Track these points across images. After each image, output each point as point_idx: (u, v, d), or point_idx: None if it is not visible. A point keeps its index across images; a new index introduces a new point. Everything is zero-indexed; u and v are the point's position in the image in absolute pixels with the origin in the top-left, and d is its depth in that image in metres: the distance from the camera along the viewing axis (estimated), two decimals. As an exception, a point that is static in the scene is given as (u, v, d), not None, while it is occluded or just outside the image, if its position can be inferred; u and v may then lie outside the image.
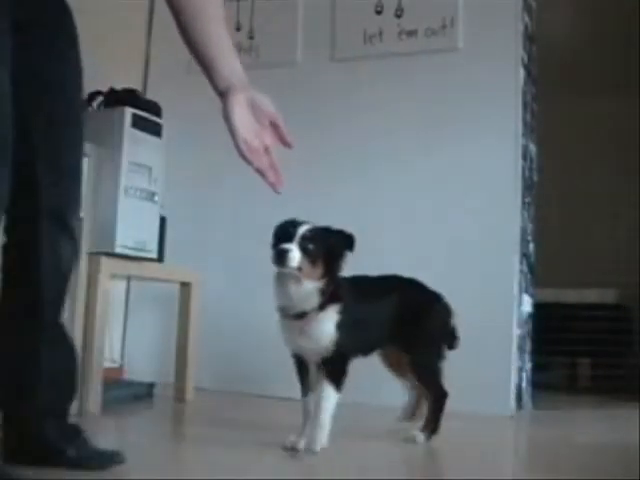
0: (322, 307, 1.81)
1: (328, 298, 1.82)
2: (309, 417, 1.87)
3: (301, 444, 1.84)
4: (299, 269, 1.77)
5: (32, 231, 1.46)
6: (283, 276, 1.81)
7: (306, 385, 1.91)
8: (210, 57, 1.42)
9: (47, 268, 1.46)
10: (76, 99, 1.54)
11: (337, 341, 1.83)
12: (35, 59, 1.43)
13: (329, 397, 1.83)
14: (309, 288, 1.79)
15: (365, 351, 2.02)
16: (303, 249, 1.77)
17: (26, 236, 1.46)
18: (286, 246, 1.76)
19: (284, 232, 1.82)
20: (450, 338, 2.15)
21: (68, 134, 1.50)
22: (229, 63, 1.42)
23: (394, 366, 2.16)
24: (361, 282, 1.99)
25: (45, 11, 1.45)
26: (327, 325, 1.82)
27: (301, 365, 1.92)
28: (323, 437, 1.81)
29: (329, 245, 1.82)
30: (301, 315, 1.82)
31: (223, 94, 1.42)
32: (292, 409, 1.99)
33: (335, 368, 1.86)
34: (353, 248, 1.84)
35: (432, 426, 2.06)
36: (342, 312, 1.84)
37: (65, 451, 1.49)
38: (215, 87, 1.43)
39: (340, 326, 1.83)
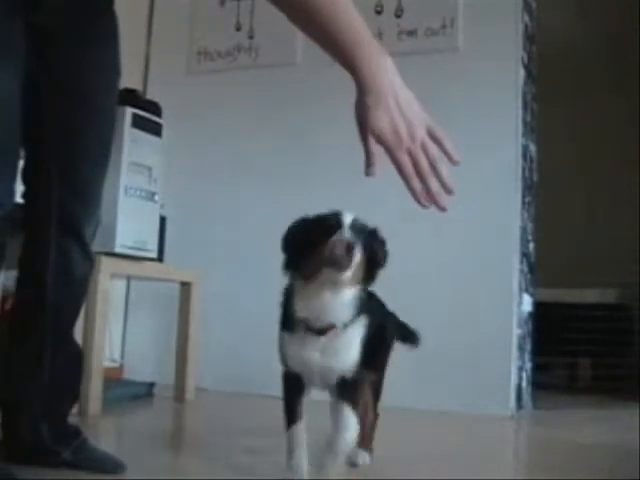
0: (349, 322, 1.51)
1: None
2: (301, 447, 1.56)
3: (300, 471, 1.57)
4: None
5: (42, 234, 1.45)
6: (320, 282, 1.46)
7: (298, 411, 1.58)
8: (353, 44, 1.19)
9: (53, 273, 1.46)
10: (101, 107, 1.49)
11: (360, 360, 1.54)
12: (57, 63, 1.41)
13: (351, 425, 1.53)
14: (348, 297, 1.48)
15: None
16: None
17: (37, 238, 1.46)
18: (351, 238, 1.42)
19: (321, 223, 1.51)
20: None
21: (87, 142, 1.47)
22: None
23: None
24: None
25: (74, 14, 1.41)
26: (355, 341, 1.52)
27: (295, 387, 1.58)
28: (339, 463, 1.54)
29: (372, 245, 1.54)
30: (324, 330, 1.50)
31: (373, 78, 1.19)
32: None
33: (356, 390, 1.58)
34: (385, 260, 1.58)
35: (371, 441, 1.84)
36: (366, 325, 1.55)
37: (61, 453, 1.50)
38: (362, 72, 1.19)
39: (363, 342, 1.54)
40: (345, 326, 1.49)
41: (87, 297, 2.34)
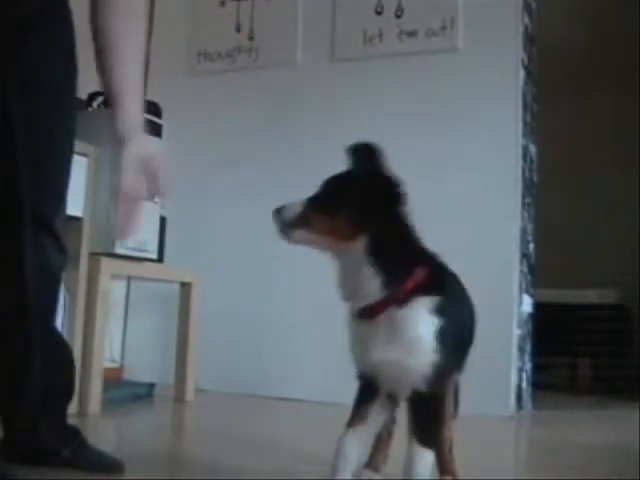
0: (402, 299, 1.18)
1: (410, 285, 1.19)
2: (344, 467, 1.28)
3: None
4: (304, 224, 1.26)
5: (15, 233, 1.44)
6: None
7: (360, 414, 1.29)
8: (121, 92, 1.42)
9: (32, 270, 1.45)
10: (64, 99, 1.50)
11: (440, 363, 1.18)
12: (23, 61, 1.40)
13: (423, 463, 1.22)
14: (346, 254, 1.21)
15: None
16: (311, 199, 1.30)
17: (10, 238, 1.45)
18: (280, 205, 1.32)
19: None
20: None
21: (53, 137, 1.47)
22: (136, 104, 1.44)
23: None
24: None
25: (38, 6, 1.42)
26: (419, 329, 1.18)
27: (366, 389, 1.29)
28: None
29: (349, 186, 1.28)
30: (369, 311, 1.20)
31: (122, 137, 1.42)
32: (292, 409, 1.99)
33: (430, 412, 1.23)
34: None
35: (452, 464, 1.61)
36: (442, 311, 1.19)
37: (60, 452, 1.50)
38: (117, 124, 1.42)
39: (443, 337, 1.18)
40: (394, 307, 1.18)
41: (87, 297, 2.37)
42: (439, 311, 1.18)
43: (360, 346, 1.23)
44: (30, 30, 1.40)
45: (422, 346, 1.17)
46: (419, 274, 1.21)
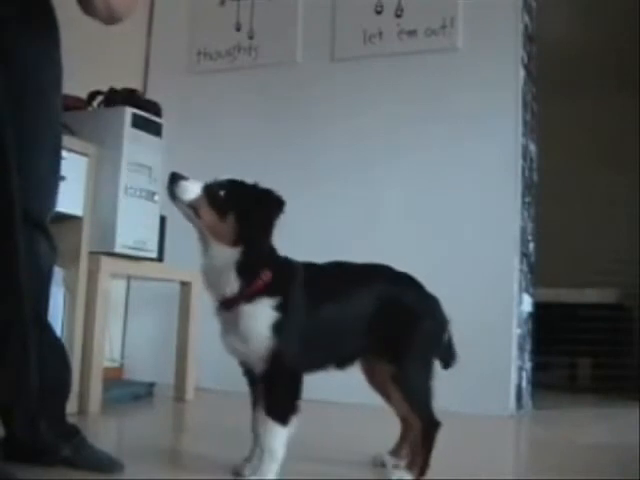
0: (249, 298, 1.43)
1: (259, 287, 1.43)
2: (257, 436, 1.55)
3: (247, 471, 1.55)
4: (194, 210, 1.45)
5: (7, 231, 1.43)
6: (201, 242, 1.48)
7: (254, 396, 1.60)
8: None
9: (25, 268, 1.44)
10: (49, 98, 1.49)
11: (275, 348, 1.43)
12: (11, 60, 1.40)
13: (274, 434, 1.45)
14: (221, 255, 1.43)
15: (328, 364, 1.60)
16: (208, 190, 1.45)
17: (3, 238, 1.44)
18: (184, 175, 1.46)
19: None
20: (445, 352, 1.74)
21: (43, 136, 1.47)
22: None
23: (377, 383, 1.71)
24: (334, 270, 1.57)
25: (26, 10, 1.41)
26: (258, 323, 1.43)
27: (249, 371, 1.57)
28: (273, 468, 1.46)
29: (247, 203, 1.44)
30: (226, 304, 1.47)
31: None
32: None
33: (276, 389, 1.47)
34: (278, 212, 1.46)
35: (418, 462, 1.63)
36: (281, 309, 1.43)
37: (60, 450, 1.50)
38: None
39: (279, 328, 1.42)
40: (245, 304, 1.43)
41: (87, 297, 2.37)
42: (278, 308, 1.42)
43: (222, 333, 1.50)
44: (14, 30, 1.40)
45: (255, 335, 1.42)
46: (265, 277, 1.44)
